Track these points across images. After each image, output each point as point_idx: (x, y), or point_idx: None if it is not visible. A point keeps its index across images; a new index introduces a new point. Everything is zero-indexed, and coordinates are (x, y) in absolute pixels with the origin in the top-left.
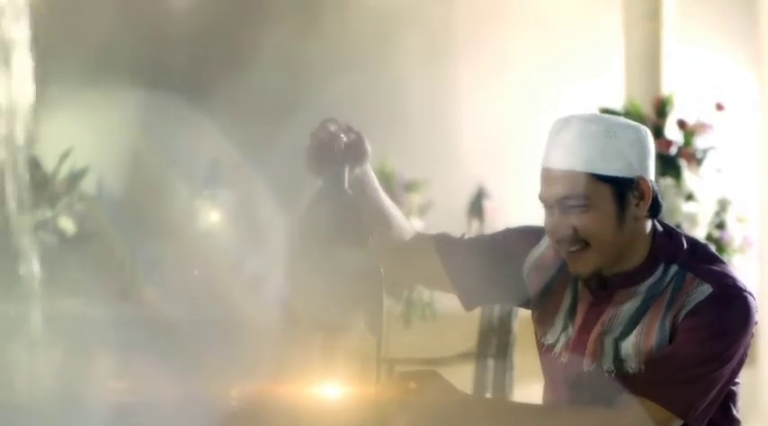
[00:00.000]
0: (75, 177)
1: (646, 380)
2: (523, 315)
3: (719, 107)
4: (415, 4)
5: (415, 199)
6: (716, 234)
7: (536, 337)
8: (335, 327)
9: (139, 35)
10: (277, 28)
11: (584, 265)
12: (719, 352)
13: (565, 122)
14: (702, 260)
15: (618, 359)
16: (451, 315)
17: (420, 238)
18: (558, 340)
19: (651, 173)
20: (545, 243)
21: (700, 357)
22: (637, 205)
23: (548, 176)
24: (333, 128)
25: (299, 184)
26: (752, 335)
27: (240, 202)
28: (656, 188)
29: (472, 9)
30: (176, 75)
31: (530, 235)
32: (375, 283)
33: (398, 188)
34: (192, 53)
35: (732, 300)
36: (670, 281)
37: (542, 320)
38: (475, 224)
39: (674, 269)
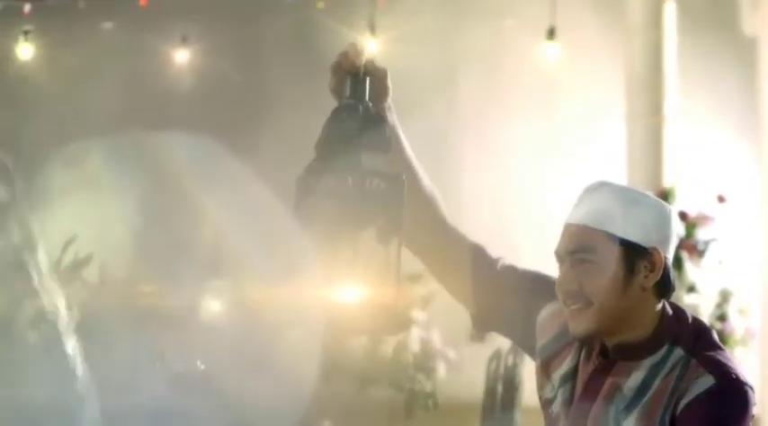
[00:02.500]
0: (78, 264)
1: None
2: (526, 407)
3: (721, 199)
4: (419, 88)
5: (418, 290)
6: (717, 325)
7: (537, 389)
8: (356, 233)
9: (142, 123)
10: (280, 121)
11: (583, 324)
12: None
13: (597, 184)
14: (707, 347)
15: None
16: (453, 406)
17: (459, 238)
18: (555, 396)
19: (668, 251)
20: (561, 305)
21: None
22: (646, 276)
23: (566, 231)
24: (359, 46)
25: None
26: None
27: (242, 293)
28: (669, 266)
29: (476, 95)
30: (180, 163)
31: (552, 284)
32: (398, 187)
33: (401, 279)
34: (194, 140)
35: (732, 394)
36: (674, 367)
37: (543, 373)
38: None
39: (677, 352)
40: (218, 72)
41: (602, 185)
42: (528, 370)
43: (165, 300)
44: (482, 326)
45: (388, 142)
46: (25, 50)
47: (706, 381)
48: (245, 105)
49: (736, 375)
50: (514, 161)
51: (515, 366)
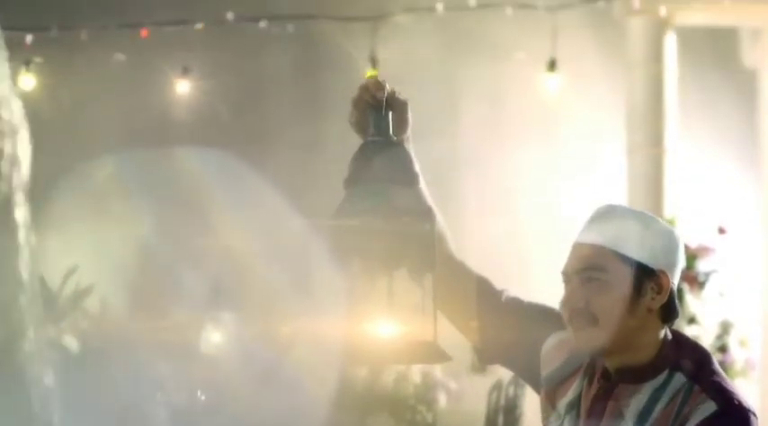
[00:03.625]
0: (80, 295)
1: None
2: None
3: (721, 230)
4: (421, 119)
5: None
6: (718, 357)
7: (542, 419)
8: (389, 272)
9: (143, 155)
10: (281, 153)
11: (589, 342)
12: None
13: (608, 207)
14: (709, 373)
15: None
16: None
17: (465, 272)
18: (562, 424)
19: (674, 277)
20: (566, 335)
21: None
22: (653, 298)
23: (575, 250)
24: (380, 80)
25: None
26: None
27: (242, 323)
28: (675, 292)
29: (477, 125)
30: (180, 192)
31: (560, 317)
32: (428, 221)
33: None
34: (195, 172)
35: (735, 420)
36: (677, 394)
37: (548, 402)
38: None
39: (678, 377)
40: (219, 103)
41: (613, 208)
42: (528, 401)
43: (166, 332)
44: (486, 359)
45: (415, 176)
46: (27, 81)
47: (708, 407)
48: (246, 136)
49: (738, 401)
50: (516, 190)
51: (516, 397)
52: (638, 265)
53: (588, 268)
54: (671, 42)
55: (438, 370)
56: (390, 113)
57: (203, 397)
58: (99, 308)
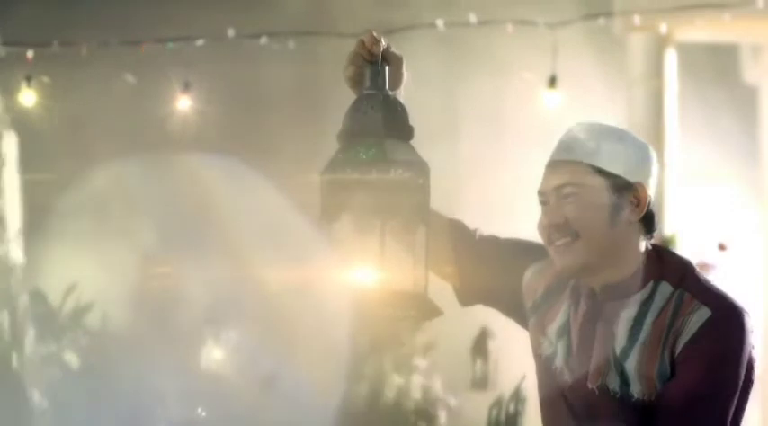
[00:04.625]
0: (80, 311)
1: None
2: None
3: (722, 247)
4: (421, 135)
5: (420, 338)
6: None
7: (533, 349)
8: (382, 224)
9: (143, 171)
10: (282, 168)
11: (572, 258)
12: (726, 378)
13: (579, 125)
14: (695, 279)
15: (623, 381)
16: None
17: (436, 215)
18: (555, 352)
19: (651, 188)
20: (548, 259)
21: (709, 388)
22: (632, 210)
23: (550, 167)
24: (375, 34)
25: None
26: (750, 355)
27: (243, 341)
28: (652, 203)
29: (478, 142)
30: (181, 206)
31: (537, 249)
32: (422, 174)
33: (403, 328)
34: (195, 188)
35: (731, 322)
36: (668, 304)
37: (536, 330)
38: (479, 364)
39: (664, 287)
40: (220, 119)
41: (585, 125)
42: (529, 419)
43: (167, 347)
44: (467, 299)
45: (410, 130)
46: (27, 97)
47: (703, 313)
48: (247, 151)
49: (730, 302)
50: (517, 206)
51: (517, 414)
52: (616, 178)
53: (566, 184)
54: (671, 58)
55: (438, 387)
56: (386, 68)
57: (204, 413)
58: (100, 325)
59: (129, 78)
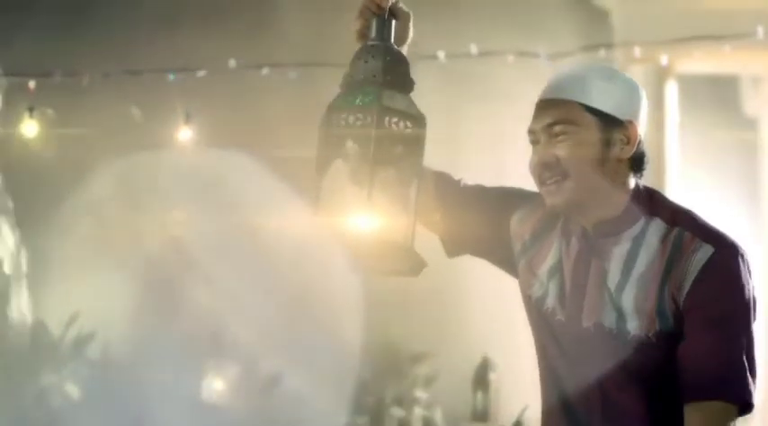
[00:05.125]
0: (81, 342)
1: (694, 384)
2: None
3: None
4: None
5: (421, 370)
6: None
7: (522, 291)
8: (374, 171)
9: (144, 202)
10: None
11: (562, 196)
12: (740, 306)
13: (569, 66)
14: (690, 217)
15: (619, 317)
16: None
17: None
18: (546, 292)
19: (641, 126)
20: (535, 202)
21: (727, 320)
22: (622, 148)
23: (541, 106)
24: None
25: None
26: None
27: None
28: (642, 141)
29: (477, 174)
30: (182, 242)
31: (523, 194)
32: (419, 127)
33: (404, 360)
34: (196, 219)
35: (735, 258)
36: (664, 241)
37: (527, 271)
38: (480, 395)
39: (657, 223)
40: (221, 151)
41: (575, 66)
42: None
43: (168, 378)
44: (454, 249)
45: (410, 83)
46: (30, 127)
47: (706, 250)
48: (248, 183)
49: (729, 239)
50: None
51: None
52: (606, 116)
53: (556, 122)
54: (672, 90)
55: (439, 419)
56: (393, 21)
57: None
58: (100, 355)
59: (132, 110)
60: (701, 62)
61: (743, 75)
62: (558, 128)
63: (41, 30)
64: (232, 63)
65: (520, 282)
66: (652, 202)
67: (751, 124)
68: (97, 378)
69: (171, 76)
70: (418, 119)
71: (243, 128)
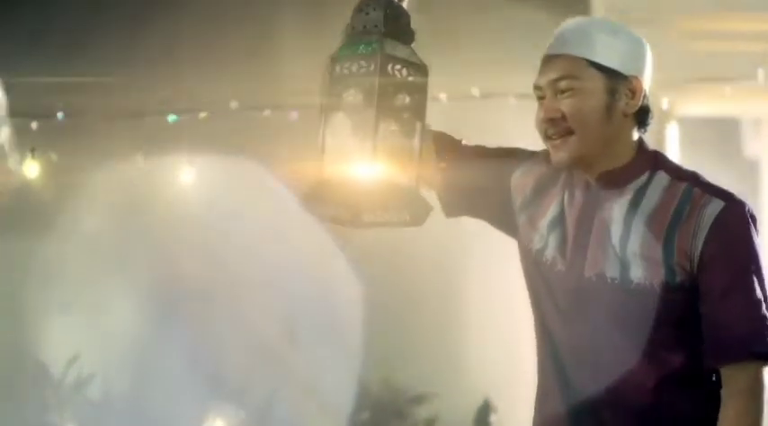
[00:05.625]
0: (81, 383)
1: (727, 347)
2: None
3: None
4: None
5: (422, 412)
6: None
7: (522, 247)
8: (379, 118)
9: (146, 243)
10: (285, 242)
11: (567, 151)
12: (753, 254)
13: (574, 20)
14: (695, 174)
15: (624, 267)
16: None
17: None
18: (546, 244)
19: (645, 81)
20: (536, 159)
21: (744, 268)
22: (627, 103)
23: (546, 62)
24: None
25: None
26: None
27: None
28: (647, 95)
29: (479, 247)
30: (183, 284)
31: (524, 152)
32: (421, 75)
33: (404, 401)
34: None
35: (744, 213)
36: (670, 193)
37: (527, 225)
38: None
39: (661, 176)
40: (223, 193)
41: (579, 19)
42: None
43: (168, 422)
44: (452, 208)
45: (411, 34)
46: (32, 168)
47: (716, 204)
48: (250, 225)
49: (737, 196)
50: (519, 289)
51: None
52: (611, 71)
53: (562, 77)
54: (672, 131)
55: None
56: None
57: None
58: (100, 397)
59: (132, 150)
60: (701, 104)
61: (743, 118)
62: (563, 84)
63: (43, 70)
64: (234, 105)
65: (519, 237)
66: (657, 157)
67: (752, 166)
68: (97, 420)
69: (173, 118)
70: (421, 68)
71: (244, 169)
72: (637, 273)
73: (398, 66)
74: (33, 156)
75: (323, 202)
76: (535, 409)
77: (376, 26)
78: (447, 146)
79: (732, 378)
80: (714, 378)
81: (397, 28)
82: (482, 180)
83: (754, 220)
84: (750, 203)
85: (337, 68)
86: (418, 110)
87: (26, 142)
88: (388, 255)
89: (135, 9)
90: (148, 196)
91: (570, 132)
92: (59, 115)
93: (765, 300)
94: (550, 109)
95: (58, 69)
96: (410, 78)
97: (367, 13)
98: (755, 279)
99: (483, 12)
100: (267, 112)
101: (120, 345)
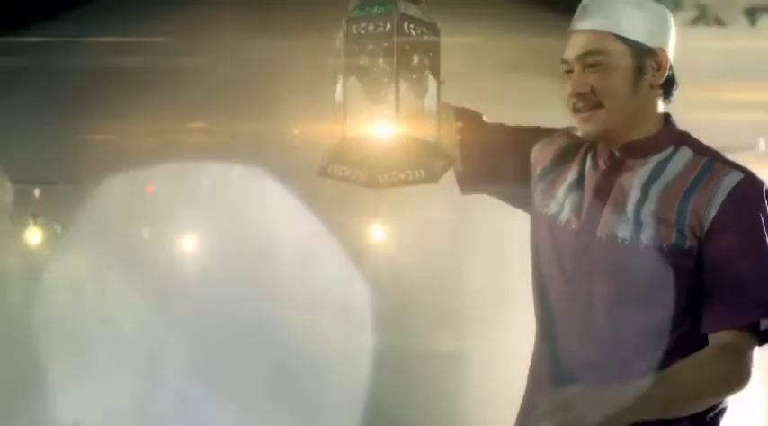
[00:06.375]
0: None
1: (720, 308)
2: None
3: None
4: (425, 278)
5: None
6: None
7: (534, 214)
8: (398, 75)
9: (148, 311)
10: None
11: (596, 124)
12: (764, 232)
13: None
14: (718, 152)
15: (636, 228)
16: None
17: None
18: (562, 208)
19: (670, 52)
20: (558, 133)
21: (754, 241)
22: (654, 75)
23: (572, 37)
24: None
25: None
26: None
27: None
28: (672, 66)
29: (481, 285)
30: (185, 353)
31: (545, 129)
32: (434, 33)
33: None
34: (199, 332)
35: (762, 186)
36: (691, 164)
37: (544, 192)
38: None
39: (685, 150)
40: (225, 258)
41: None
42: None
43: None
44: (468, 184)
45: None
46: (34, 235)
47: (735, 175)
48: (251, 296)
49: (756, 175)
50: (521, 348)
51: None
52: (638, 45)
53: (590, 52)
54: None
55: None
56: None
57: None
58: None
59: (134, 218)
60: None
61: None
62: (591, 59)
63: (44, 138)
64: (236, 171)
65: (533, 206)
66: (683, 135)
67: None
68: None
69: (174, 187)
70: (432, 27)
71: (247, 237)
72: (647, 234)
73: (413, 25)
74: (36, 223)
75: (340, 164)
76: (528, 376)
77: None
78: (468, 118)
79: (718, 338)
80: None
81: None
82: (503, 152)
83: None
84: None
85: (353, 29)
86: (434, 69)
87: (29, 208)
88: (394, 315)
89: (135, 73)
90: (149, 262)
91: (599, 105)
92: (61, 183)
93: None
94: (579, 83)
95: (59, 138)
96: (424, 37)
97: None
98: (766, 251)
99: None
100: (268, 181)
101: (121, 413)
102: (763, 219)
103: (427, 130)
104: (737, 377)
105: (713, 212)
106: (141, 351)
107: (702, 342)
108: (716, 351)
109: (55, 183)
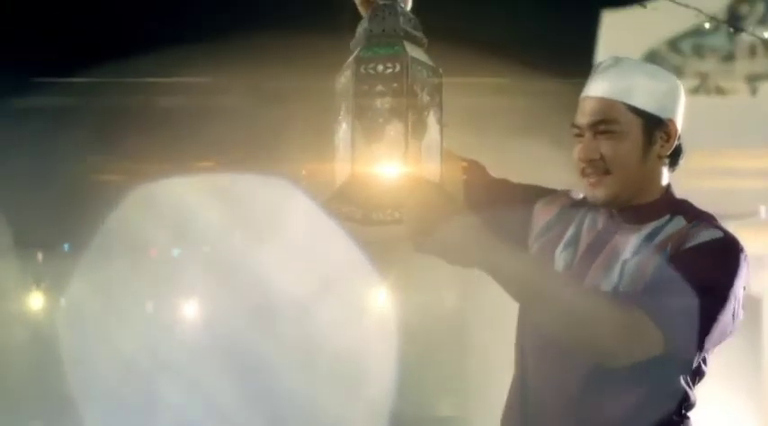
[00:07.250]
0: None
1: (645, 298)
2: None
3: None
4: (430, 324)
5: None
6: None
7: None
8: (408, 118)
9: (152, 368)
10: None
11: (604, 190)
12: (718, 285)
13: (613, 59)
14: (712, 218)
15: (619, 278)
16: None
17: (450, 153)
18: (555, 265)
19: (679, 123)
20: (561, 192)
21: (700, 283)
22: (662, 145)
23: (585, 104)
24: None
25: None
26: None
27: None
28: (680, 136)
29: (486, 342)
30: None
31: (547, 189)
32: (438, 77)
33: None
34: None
35: (736, 250)
36: (681, 231)
37: (542, 251)
38: None
39: (679, 219)
40: (229, 323)
41: (618, 60)
42: None
43: None
44: None
45: (423, 39)
46: (37, 300)
47: (714, 232)
48: (255, 349)
49: (740, 243)
50: None
51: None
52: (647, 115)
53: (601, 121)
54: None
55: None
56: None
57: None
58: None
59: (137, 281)
60: None
61: (746, 254)
62: (602, 127)
63: (47, 204)
64: (237, 235)
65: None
66: (680, 202)
67: (755, 304)
68: None
69: (175, 252)
70: (435, 71)
71: (247, 304)
72: (625, 281)
73: (419, 68)
74: (38, 287)
75: (339, 202)
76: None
77: (395, 30)
78: (474, 169)
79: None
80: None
81: (412, 32)
82: (506, 203)
83: (745, 260)
84: (751, 341)
85: (362, 68)
86: (438, 111)
87: (32, 273)
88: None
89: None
90: (151, 325)
91: (607, 172)
92: (65, 246)
93: (706, 325)
94: (589, 150)
95: (61, 204)
96: (429, 79)
97: (383, 18)
98: (710, 298)
99: None
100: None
101: None
102: (723, 272)
103: (431, 171)
104: (619, 334)
105: (682, 248)
106: (150, 407)
107: (674, 396)
108: (623, 305)
109: (57, 248)
